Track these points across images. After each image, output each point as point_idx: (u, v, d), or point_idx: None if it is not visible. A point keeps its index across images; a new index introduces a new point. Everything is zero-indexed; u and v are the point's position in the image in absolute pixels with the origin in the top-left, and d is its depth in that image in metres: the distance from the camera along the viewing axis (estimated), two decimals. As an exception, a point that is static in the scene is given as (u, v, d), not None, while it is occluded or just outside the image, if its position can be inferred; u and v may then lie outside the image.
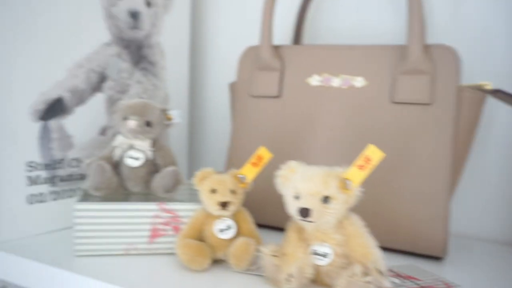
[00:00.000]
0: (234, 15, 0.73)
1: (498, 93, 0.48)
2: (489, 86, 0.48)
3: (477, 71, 0.56)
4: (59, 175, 0.49)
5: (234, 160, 0.55)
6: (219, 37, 0.74)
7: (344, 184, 0.35)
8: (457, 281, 0.40)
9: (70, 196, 0.50)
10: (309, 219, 0.34)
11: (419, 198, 0.46)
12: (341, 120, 0.50)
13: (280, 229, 0.44)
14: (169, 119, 0.47)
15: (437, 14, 0.58)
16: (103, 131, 0.54)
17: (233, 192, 0.40)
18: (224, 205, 0.39)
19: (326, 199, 0.35)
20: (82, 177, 0.51)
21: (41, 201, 0.47)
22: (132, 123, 0.44)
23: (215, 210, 0.40)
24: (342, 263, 0.36)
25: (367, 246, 0.35)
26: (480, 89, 0.48)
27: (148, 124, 0.45)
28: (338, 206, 0.35)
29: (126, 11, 0.55)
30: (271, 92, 0.54)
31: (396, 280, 0.40)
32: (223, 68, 0.74)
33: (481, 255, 0.50)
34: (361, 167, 0.35)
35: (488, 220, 0.57)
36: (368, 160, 0.34)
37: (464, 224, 0.58)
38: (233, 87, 0.60)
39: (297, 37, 0.63)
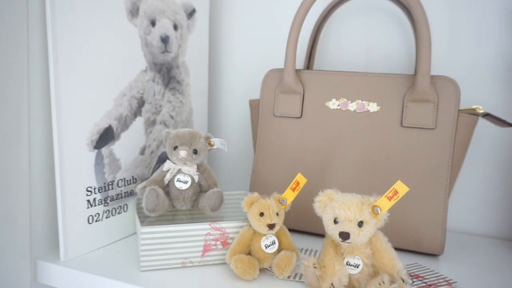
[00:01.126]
0: (247, 35, 0.78)
1: (487, 116, 0.57)
2: (481, 109, 0.57)
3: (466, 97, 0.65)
4: (110, 195, 0.55)
5: (259, 173, 0.62)
6: (233, 55, 0.80)
7: (374, 210, 0.43)
8: (452, 275, 0.50)
9: (119, 213, 0.56)
10: (348, 241, 0.42)
11: (422, 205, 0.55)
12: (358, 140, 0.58)
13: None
14: (211, 145, 0.53)
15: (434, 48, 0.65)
16: (142, 151, 0.60)
17: (277, 214, 0.47)
18: (271, 226, 0.47)
19: (360, 223, 0.43)
20: (127, 194, 0.57)
21: (97, 220, 0.53)
22: (182, 152, 0.50)
23: (263, 230, 0.47)
24: (370, 272, 0.45)
25: (392, 258, 0.44)
26: (473, 113, 0.57)
27: (195, 152, 0.51)
28: (370, 228, 0.43)
29: (158, 37, 0.60)
30: (294, 113, 0.61)
31: (409, 280, 0.49)
32: (238, 84, 0.80)
33: (470, 249, 0.60)
34: (389, 198, 0.43)
35: (476, 217, 0.68)
36: (396, 192, 0.42)
37: (457, 221, 0.68)
38: (254, 104, 0.66)
39: (309, 62, 0.69)
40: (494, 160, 0.66)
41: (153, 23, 0.59)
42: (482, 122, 0.65)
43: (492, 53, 0.64)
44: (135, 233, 0.59)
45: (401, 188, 0.42)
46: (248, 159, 0.78)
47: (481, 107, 0.57)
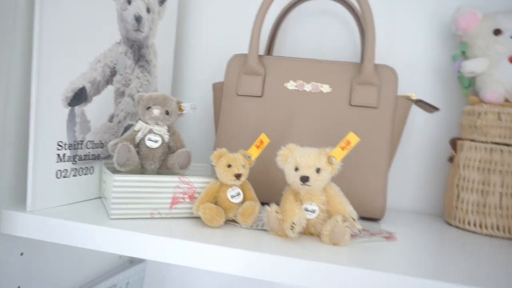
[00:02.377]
0: (212, 23, 0.85)
1: (419, 102, 0.67)
2: (414, 96, 0.67)
3: (404, 86, 0.76)
4: (78, 155, 0.56)
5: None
6: (198, 43, 0.86)
7: (330, 160, 0.50)
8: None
9: (85, 174, 0.58)
10: (307, 183, 0.48)
11: (366, 174, 0.62)
12: (312, 117, 0.65)
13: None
14: (181, 110, 0.57)
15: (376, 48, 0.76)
16: (111, 118, 0.62)
17: (243, 166, 0.52)
18: (238, 176, 0.51)
19: (318, 170, 0.49)
20: (94, 157, 0.59)
21: (65, 176, 0.54)
22: (156, 111, 0.54)
23: (230, 180, 0.51)
24: (324, 216, 0.50)
25: (343, 203, 0.50)
26: (408, 98, 0.66)
27: (167, 112, 0.55)
28: (326, 175, 0.49)
29: (132, 15, 0.64)
30: (256, 92, 0.67)
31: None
32: (201, 67, 0.86)
33: (403, 218, 0.68)
34: (343, 148, 0.49)
35: (407, 195, 0.77)
36: (348, 143, 0.49)
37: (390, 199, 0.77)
38: (217, 86, 0.72)
39: (270, 48, 0.77)
40: (425, 146, 0.76)
41: (129, 1, 0.63)
42: (413, 114, 0.75)
43: (422, 53, 0.76)
44: (100, 197, 0.61)
45: (352, 138, 0.49)
46: (209, 139, 0.83)
47: (414, 95, 0.67)
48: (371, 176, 0.63)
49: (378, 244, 0.51)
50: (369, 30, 0.62)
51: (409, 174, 0.77)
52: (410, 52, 0.77)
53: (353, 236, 0.52)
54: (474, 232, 0.63)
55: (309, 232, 0.51)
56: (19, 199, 0.52)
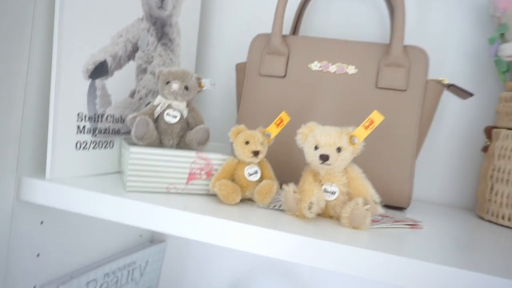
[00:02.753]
0: (237, 3, 0.84)
1: (451, 87, 0.64)
2: (446, 81, 0.63)
3: (435, 69, 0.72)
4: (99, 128, 0.56)
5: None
6: (223, 20, 0.85)
7: (352, 139, 0.47)
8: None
9: (105, 147, 0.58)
10: (327, 162, 0.46)
11: (393, 161, 0.60)
12: (336, 99, 0.62)
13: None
14: (201, 86, 0.56)
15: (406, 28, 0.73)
16: (132, 94, 0.62)
17: (262, 144, 0.51)
18: (256, 153, 0.50)
19: (339, 149, 0.47)
20: (114, 132, 0.59)
21: (84, 148, 0.54)
22: (175, 85, 0.53)
23: (248, 157, 0.50)
24: (344, 199, 0.48)
25: (365, 185, 0.48)
26: (440, 83, 0.63)
27: (186, 88, 0.54)
28: (347, 155, 0.47)
29: (156, -8, 0.64)
30: (278, 72, 0.65)
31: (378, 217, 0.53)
32: (225, 47, 0.84)
33: (430, 209, 0.65)
34: (366, 127, 0.47)
35: (435, 187, 0.73)
36: (372, 122, 0.47)
37: (418, 190, 0.73)
38: (240, 67, 0.70)
39: (295, 29, 0.75)
40: (456, 134, 0.72)
41: (153, -23, 0.63)
42: (445, 99, 0.71)
43: (455, 35, 0.72)
44: (119, 172, 0.61)
45: (376, 117, 0.46)
46: (230, 120, 0.82)
47: (446, 79, 0.64)
48: (397, 162, 0.60)
49: (401, 231, 0.49)
50: (398, 8, 0.59)
51: (439, 164, 0.73)
52: (442, 33, 0.73)
53: (374, 221, 0.50)
54: (508, 228, 0.59)
55: (328, 215, 0.49)
56: (40, 167, 0.53)
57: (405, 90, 0.61)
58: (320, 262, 0.41)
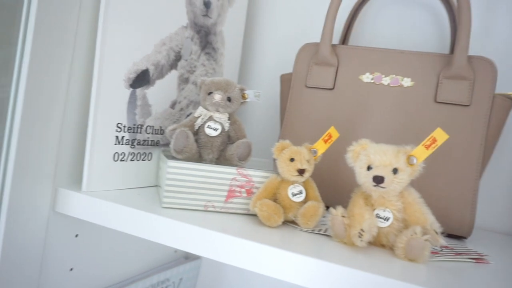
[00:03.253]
0: (284, 13, 0.80)
1: (522, 103, 0.56)
2: (516, 96, 0.57)
3: (502, 82, 0.65)
4: (137, 139, 0.54)
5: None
6: (269, 30, 0.82)
7: (410, 160, 0.42)
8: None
9: (143, 160, 0.56)
10: (382, 185, 0.41)
11: (453, 184, 0.54)
12: (389, 114, 0.57)
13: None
14: (244, 98, 0.53)
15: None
16: (173, 105, 0.60)
17: (308, 161, 0.46)
18: (301, 172, 0.46)
19: (395, 170, 0.42)
20: (153, 143, 0.57)
21: (122, 160, 0.53)
22: (217, 96, 0.50)
23: (292, 176, 0.46)
24: (399, 226, 0.43)
25: (424, 212, 0.42)
26: (508, 97, 0.56)
27: (229, 99, 0.51)
28: (404, 177, 0.42)
29: (201, 0, 0.62)
30: (327, 84, 0.61)
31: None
32: (270, 58, 0.81)
33: (495, 239, 0.58)
34: (427, 147, 0.42)
35: (500, 214, 0.65)
36: (434, 140, 0.41)
37: (480, 216, 0.66)
38: (285, 78, 0.67)
39: (345, 38, 0.70)
40: (524, 156, 0.65)
41: (198, -16, 0.61)
42: (514, 116, 0.64)
43: (528, 48, 0.65)
44: (157, 185, 0.58)
45: (440, 135, 0.41)
46: (274, 134, 0.78)
47: (516, 94, 0.57)
48: (458, 186, 0.53)
49: (464, 266, 0.42)
50: (463, 13, 0.54)
51: (504, 188, 0.66)
52: (509, 41, 0.66)
53: (433, 253, 0.44)
54: None
55: (380, 243, 0.44)
56: (77, 179, 0.51)
57: (468, 105, 0.55)
58: (370, 298, 0.36)
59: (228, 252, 0.41)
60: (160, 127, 0.58)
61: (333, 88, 0.61)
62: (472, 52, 0.65)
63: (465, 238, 0.55)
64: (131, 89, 0.52)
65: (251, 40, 0.83)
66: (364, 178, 0.43)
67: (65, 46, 0.47)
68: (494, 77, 0.54)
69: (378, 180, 0.41)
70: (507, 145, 0.65)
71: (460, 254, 0.45)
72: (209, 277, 0.85)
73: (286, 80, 0.67)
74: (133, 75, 0.52)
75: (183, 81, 0.61)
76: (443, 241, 0.40)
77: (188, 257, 0.82)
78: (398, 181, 0.42)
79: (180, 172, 0.47)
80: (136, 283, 0.65)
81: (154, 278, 0.69)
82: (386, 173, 0.41)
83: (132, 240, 0.64)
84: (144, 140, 0.56)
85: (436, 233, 0.41)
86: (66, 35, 0.47)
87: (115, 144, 0.51)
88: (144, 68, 0.53)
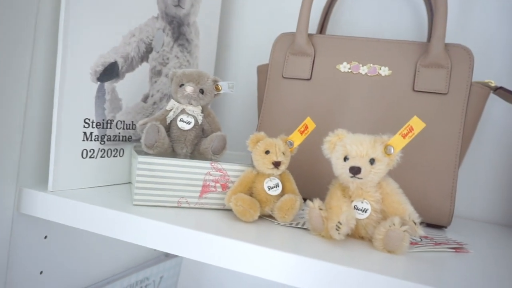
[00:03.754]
0: (260, 3, 0.79)
1: (499, 90, 0.56)
2: (493, 83, 0.56)
3: (479, 70, 0.64)
4: (107, 135, 0.52)
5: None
6: (243, 23, 0.80)
7: (387, 149, 0.41)
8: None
9: (115, 156, 0.54)
10: (359, 176, 0.40)
11: (432, 173, 0.53)
12: (367, 103, 0.56)
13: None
14: (218, 90, 0.51)
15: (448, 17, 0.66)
16: (145, 99, 0.58)
17: (283, 153, 0.45)
18: (276, 164, 0.44)
19: (372, 161, 0.41)
20: (125, 139, 0.55)
21: (91, 157, 0.50)
22: (189, 88, 0.48)
23: (268, 169, 0.45)
24: (378, 218, 0.42)
25: (402, 203, 0.41)
26: (486, 85, 0.56)
27: (201, 91, 0.50)
28: (382, 167, 0.41)
29: (172, -11, 0.59)
30: (304, 75, 0.59)
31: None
32: (247, 49, 0.79)
33: (475, 228, 0.57)
34: (404, 136, 0.41)
35: (478, 202, 0.65)
36: (411, 129, 0.40)
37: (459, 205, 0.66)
38: (262, 69, 0.65)
39: (322, 27, 0.69)
40: (503, 143, 0.65)
41: (169, -27, 0.58)
42: (490, 104, 0.64)
43: (503, 32, 0.64)
44: (130, 182, 0.56)
45: (417, 124, 0.40)
46: (252, 127, 0.76)
47: (493, 81, 0.56)
48: (437, 175, 0.53)
49: (444, 256, 0.42)
50: (440, 1, 0.53)
51: (482, 176, 0.66)
52: (487, 30, 0.65)
53: (412, 243, 0.44)
54: None
55: (359, 236, 0.43)
56: (43, 178, 0.49)
57: (446, 94, 0.54)
58: (349, 293, 0.35)
59: (203, 250, 0.40)
60: (132, 121, 0.56)
61: (310, 79, 0.59)
62: (449, 40, 0.65)
63: (445, 227, 0.54)
64: (99, 82, 0.50)
65: (227, 31, 0.81)
66: (341, 169, 0.42)
67: (25, 37, 0.45)
68: (471, 65, 0.54)
69: (355, 171, 0.40)
70: (485, 133, 0.65)
71: (440, 244, 0.45)
72: (191, 275, 0.84)
73: (263, 71, 0.65)
74: (100, 68, 0.50)
75: (156, 73, 0.59)
76: (422, 231, 0.40)
77: (169, 255, 0.80)
78: (375, 171, 0.41)
79: (151, 168, 0.45)
80: (113, 283, 0.63)
81: (133, 278, 0.67)
82: (363, 164, 0.40)
83: (107, 239, 0.62)
84: (115, 136, 0.53)
85: (415, 223, 0.40)
86: (25, 26, 0.45)
87: (83, 140, 0.49)
88: (112, 60, 0.51)
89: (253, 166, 0.47)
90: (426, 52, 0.55)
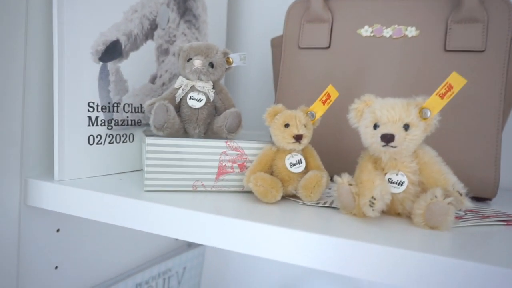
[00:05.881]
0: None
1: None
2: (536, 37, 0.50)
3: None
4: (114, 119, 0.49)
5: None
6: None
7: (423, 113, 0.36)
8: None
9: (124, 141, 0.50)
10: (392, 144, 0.35)
11: (471, 140, 0.48)
12: (393, 69, 0.51)
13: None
14: (229, 62, 0.47)
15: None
16: (153, 80, 0.54)
17: (305, 126, 0.41)
18: (298, 138, 0.40)
19: (407, 126, 0.36)
20: (134, 123, 0.51)
21: (99, 143, 0.47)
22: (197, 62, 0.44)
23: (288, 144, 0.40)
24: (416, 191, 0.37)
25: (444, 172, 0.37)
26: (528, 40, 0.50)
27: (211, 65, 0.45)
28: (418, 133, 0.36)
29: (174, -40, 0.55)
30: (322, 43, 0.55)
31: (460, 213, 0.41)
32: (259, 23, 0.75)
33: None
34: (442, 96, 0.36)
35: (523, 172, 0.59)
36: (450, 87, 0.35)
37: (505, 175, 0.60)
38: (276, 41, 0.60)
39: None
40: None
41: None
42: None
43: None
44: (141, 169, 0.53)
45: (456, 80, 0.35)
46: (267, 101, 0.72)
47: (535, 35, 0.50)
48: (478, 143, 0.47)
49: (493, 230, 0.37)
50: None
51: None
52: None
53: (457, 218, 0.39)
54: None
55: (396, 212, 0.39)
56: (49, 168, 0.46)
57: (483, 51, 0.48)
58: (386, 276, 0.31)
59: (223, 236, 0.36)
60: (140, 104, 0.52)
61: (329, 47, 0.54)
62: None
63: (489, 199, 0.49)
64: (101, 63, 0.46)
65: (236, 4, 0.76)
66: (370, 139, 0.37)
67: (16, 15, 0.41)
68: (511, 17, 0.48)
69: (388, 138, 0.35)
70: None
71: (488, 217, 0.40)
72: (215, 264, 0.81)
73: (277, 45, 0.60)
74: (101, 47, 0.46)
75: (162, 52, 0.55)
76: (468, 203, 0.35)
77: (191, 245, 0.77)
78: (410, 138, 0.36)
79: (162, 150, 0.41)
80: (134, 276, 0.61)
81: (155, 269, 0.65)
82: (396, 130, 0.35)
83: (125, 230, 0.59)
84: (123, 120, 0.50)
85: (460, 194, 0.35)
86: (16, 2, 0.41)
87: (88, 125, 0.46)
88: (114, 38, 0.47)
89: (272, 143, 0.43)
90: (457, 7, 0.49)
